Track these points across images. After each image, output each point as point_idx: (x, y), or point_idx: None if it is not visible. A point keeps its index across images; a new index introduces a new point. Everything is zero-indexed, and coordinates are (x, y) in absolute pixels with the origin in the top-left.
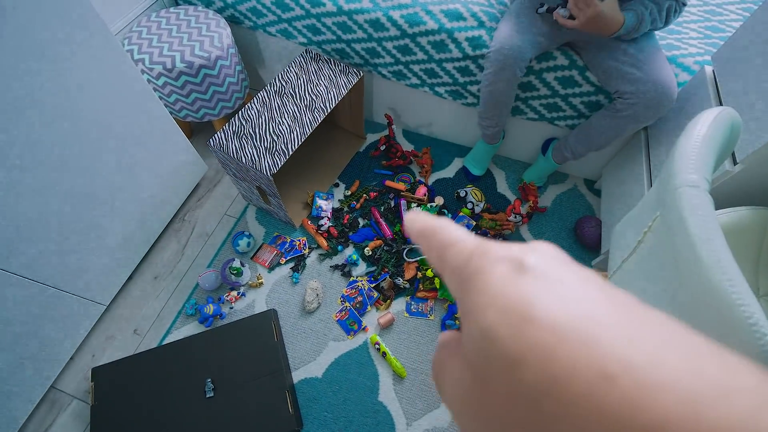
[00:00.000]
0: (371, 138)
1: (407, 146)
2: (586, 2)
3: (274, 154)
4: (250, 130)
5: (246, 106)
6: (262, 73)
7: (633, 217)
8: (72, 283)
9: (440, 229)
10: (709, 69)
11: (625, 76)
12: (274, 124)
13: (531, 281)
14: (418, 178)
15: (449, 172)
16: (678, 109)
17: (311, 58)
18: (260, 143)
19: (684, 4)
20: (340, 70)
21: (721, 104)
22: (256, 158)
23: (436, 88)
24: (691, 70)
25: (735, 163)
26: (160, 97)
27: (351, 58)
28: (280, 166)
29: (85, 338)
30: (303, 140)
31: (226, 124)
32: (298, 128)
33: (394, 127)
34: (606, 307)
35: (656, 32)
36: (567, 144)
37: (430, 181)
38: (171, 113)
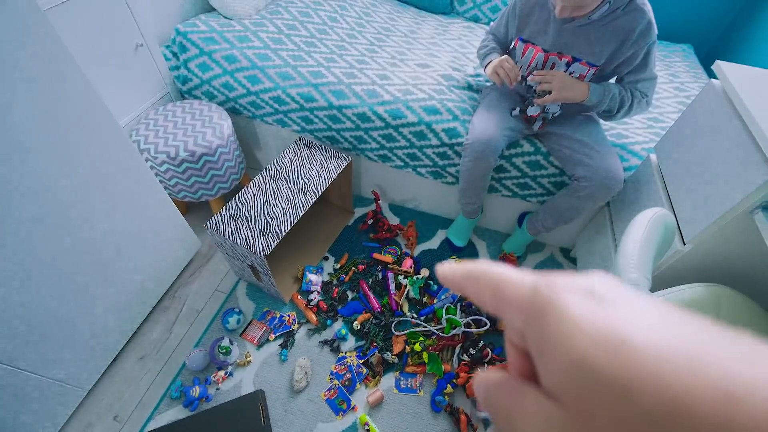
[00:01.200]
0: (360, 212)
1: (393, 219)
2: (546, 75)
3: (267, 236)
4: (246, 213)
5: (243, 190)
6: (258, 154)
7: None
8: (52, 369)
9: (489, 270)
10: (653, 157)
11: (578, 162)
12: (268, 207)
13: (612, 308)
14: (404, 250)
15: (434, 243)
16: (634, 188)
17: (304, 144)
18: (255, 225)
19: (647, 102)
20: (331, 156)
21: (665, 187)
22: (251, 240)
23: (419, 169)
24: (639, 156)
25: (684, 243)
26: (161, 180)
27: (340, 144)
28: (273, 247)
29: (60, 428)
30: (295, 221)
31: (224, 208)
32: (291, 210)
33: (380, 202)
34: (699, 332)
35: (607, 122)
36: (538, 218)
37: (416, 252)
38: (170, 194)
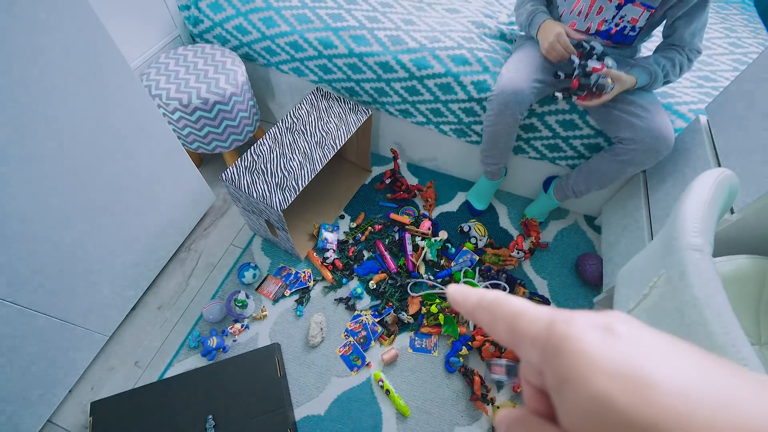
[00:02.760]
0: (377, 171)
1: (412, 180)
2: (594, 102)
3: (284, 190)
4: (262, 166)
5: (258, 141)
6: (272, 106)
7: (638, 267)
8: (75, 314)
9: (505, 302)
10: (703, 118)
11: (625, 123)
12: (285, 161)
13: (630, 345)
14: (422, 211)
15: (453, 206)
16: (675, 154)
17: (322, 95)
18: (271, 179)
19: (692, 60)
20: (350, 108)
21: (716, 153)
22: (267, 194)
23: (441, 126)
24: (686, 118)
25: (732, 212)
26: (174, 130)
27: (360, 96)
28: (290, 201)
29: (84, 370)
30: (313, 176)
31: (239, 159)
32: (308, 164)
33: (399, 161)
34: (718, 369)
35: None
36: (568, 183)
37: (434, 214)
38: (183, 144)
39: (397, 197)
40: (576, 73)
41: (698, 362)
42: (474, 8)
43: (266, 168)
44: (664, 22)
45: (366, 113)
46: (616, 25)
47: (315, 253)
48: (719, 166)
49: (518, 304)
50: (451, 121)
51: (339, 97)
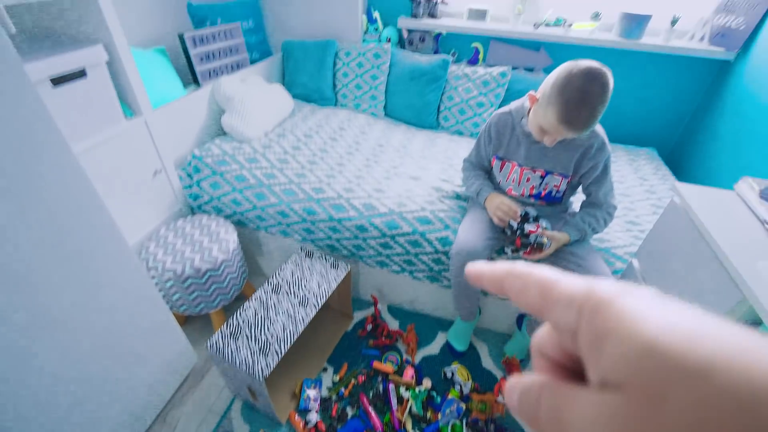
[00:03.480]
0: (360, 315)
1: (393, 322)
2: (537, 255)
3: (267, 356)
4: (246, 332)
5: (244, 305)
6: (261, 262)
7: None
8: None
9: (537, 270)
10: (636, 262)
11: (568, 271)
12: (269, 323)
13: (674, 305)
14: (405, 357)
15: (434, 348)
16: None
17: (306, 254)
18: (255, 344)
19: (611, 214)
20: (331, 264)
21: None
22: (250, 361)
23: (416, 274)
24: (623, 259)
25: None
26: (164, 296)
27: (340, 251)
28: (273, 367)
29: None
30: (296, 338)
31: (225, 325)
32: (291, 326)
33: (380, 306)
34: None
35: None
36: (536, 322)
37: (417, 358)
38: (171, 308)
39: (379, 343)
40: (517, 233)
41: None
42: (432, 175)
43: (250, 333)
44: (580, 188)
45: (345, 268)
46: (544, 189)
47: (297, 415)
48: None
49: (553, 272)
50: (423, 269)
51: (321, 255)
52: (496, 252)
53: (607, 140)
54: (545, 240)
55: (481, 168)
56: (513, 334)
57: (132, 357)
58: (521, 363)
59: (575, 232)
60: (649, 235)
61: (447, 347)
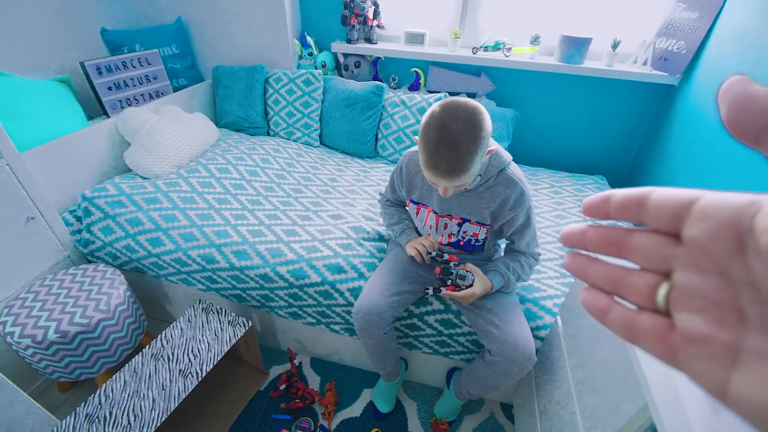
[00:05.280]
0: (278, 370)
1: (314, 378)
2: (464, 299)
3: None
4: (107, 412)
5: (114, 377)
6: (169, 308)
7: None
8: None
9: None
10: (559, 320)
11: (485, 333)
12: (137, 400)
13: None
14: (319, 422)
15: (357, 409)
16: (551, 348)
17: (203, 309)
18: (112, 429)
19: (537, 259)
20: (229, 321)
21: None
22: None
23: (332, 326)
24: (553, 313)
25: None
26: (28, 363)
27: (248, 302)
28: None
29: None
30: (164, 419)
31: (83, 404)
32: (162, 402)
33: (296, 361)
34: None
35: None
36: (462, 384)
37: (335, 422)
38: (41, 374)
39: (292, 406)
40: (438, 262)
41: None
42: (357, 212)
43: (111, 413)
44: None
45: (246, 325)
46: (462, 237)
47: None
48: (574, 387)
49: (687, 190)
50: (338, 322)
51: (220, 310)
52: (420, 301)
53: (526, 188)
54: (467, 269)
55: (400, 204)
56: (443, 391)
57: None
58: (452, 425)
59: (498, 278)
60: (574, 288)
61: (371, 407)
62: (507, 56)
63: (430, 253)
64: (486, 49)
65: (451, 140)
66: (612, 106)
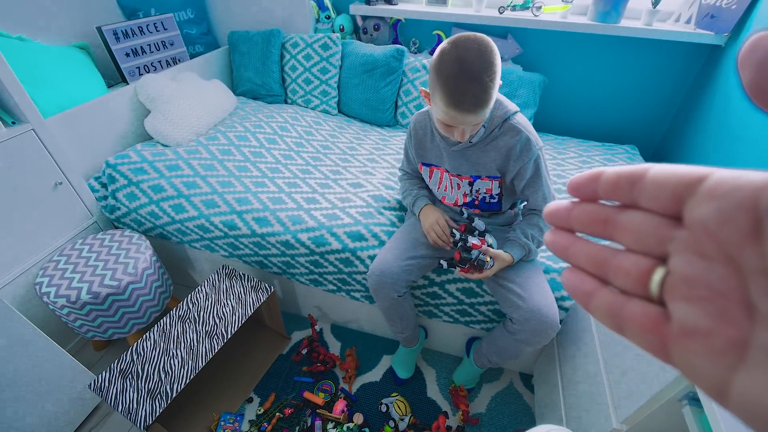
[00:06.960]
0: (299, 335)
1: (335, 343)
2: (475, 276)
3: (155, 398)
4: (139, 368)
5: (144, 335)
6: (193, 274)
7: None
8: None
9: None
10: None
11: (509, 303)
12: (166, 358)
13: None
14: (340, 385)
15: (377, 374)
16: (577, 317)
17: (226, 274)
18: (144, 384)
19: None
20: (252, 287)
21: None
22: (135, 405)
23: (352, 294)
24: None
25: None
26: (65, 322)
27: (269, 268)
28: (158, 413)
29: None
30: (193, 376)
31: (116, 361)
32: (190, 361)
33: (317, 327)
34: None
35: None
36: (482, 353)
37: (356, 386)
38: (76, 333)
39: (314, 370)
40: (458, 245)
41: None
42: (377, 181)
43: (143, 370)
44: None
45: (268, 291)
46: (476, 196)
47: None
48: (604, 363)
49: (695, 167)
50: (359, 289)
51: (243, 275)
52: (439, 270)
53: (533, 137)
54: (488, 259)
55: (417, 176)
56: (462, 360)
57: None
58: (471, 392)
59: (518, 250)
60: None
61: (390, 373)
62: (536, 16)
63: (453, 235)
64: (514, 8)
65: (471, 71)
66: (648, 70)
